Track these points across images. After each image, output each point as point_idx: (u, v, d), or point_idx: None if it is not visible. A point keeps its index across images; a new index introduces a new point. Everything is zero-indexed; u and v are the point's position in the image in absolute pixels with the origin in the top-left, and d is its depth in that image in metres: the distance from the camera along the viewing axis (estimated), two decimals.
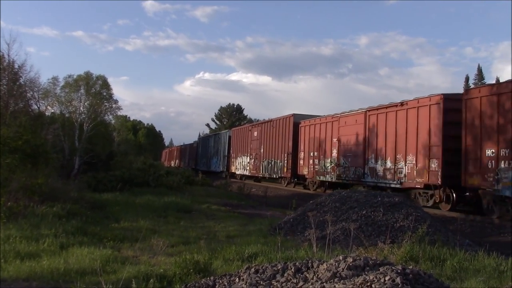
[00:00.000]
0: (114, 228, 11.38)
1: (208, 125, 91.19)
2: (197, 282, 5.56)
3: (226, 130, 44.51)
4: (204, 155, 52.72)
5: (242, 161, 38.25)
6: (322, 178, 25.43)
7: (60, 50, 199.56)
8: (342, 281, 4.36)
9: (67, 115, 29.36)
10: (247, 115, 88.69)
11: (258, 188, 29.41)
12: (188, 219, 13.70)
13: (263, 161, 33.46)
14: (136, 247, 8.92)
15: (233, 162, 40.65)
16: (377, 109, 20.95)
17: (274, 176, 31.77)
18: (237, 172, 39.60)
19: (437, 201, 17.45)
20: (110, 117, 34.94)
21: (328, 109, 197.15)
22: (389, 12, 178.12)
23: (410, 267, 4.61)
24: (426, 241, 8.45)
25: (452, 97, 17.13)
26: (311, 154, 26.43)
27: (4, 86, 19.84)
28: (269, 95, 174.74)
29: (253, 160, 35.57)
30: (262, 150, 33.61)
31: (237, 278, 5.27)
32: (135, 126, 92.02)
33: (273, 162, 31.48)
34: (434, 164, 17.02)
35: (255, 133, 35.53)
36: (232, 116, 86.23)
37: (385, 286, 3.97)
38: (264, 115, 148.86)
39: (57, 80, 29.06)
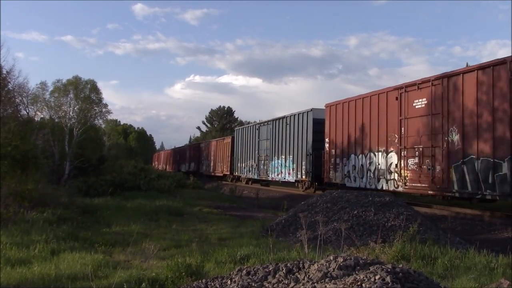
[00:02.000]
0: (106, 233, 11.34)
1: (199, 128, 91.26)
2: (189, 285, 5.56)
3: (309, 109, 25.22)
4: (247, 155, 34.58)
5: (372, 162, 19.18)
6: None
7: (49, 55, 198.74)
8: (333, 281, 4.38)
9: (56, 120, 29.20)
10: (237, 117, 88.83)
11: (250, 190, 29.41)
12: (179, 222, 13.68)
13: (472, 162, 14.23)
14: (127, 251, 8.88)
15: (338, 165, 21.82)
16: None
17: None
18: (350, 184, 20.69)
19: None
20: (100, 121, 34.81)
21: None
22: (378, 13, 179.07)
23: (401, 266, 4.64)
24: (417, 239, 8.50)
25: None
26: None
27: None
28: (260, 97, 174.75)
29: (416, 159, 16.55)
30: (456, 137, 14.94)
31: (229, 280, 5.27)
32: (126, 130, 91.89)
33: None
34: None
35: (421, 102, 16.61)
36: (223, 118, 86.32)
37: (375, 285, 3.99)
38: (255, 117, 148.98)
39: (46, 85, 28.94)
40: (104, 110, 31.86)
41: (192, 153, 54.34)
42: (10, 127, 15.54)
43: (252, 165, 33.64)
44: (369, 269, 4.44)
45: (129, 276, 6.52)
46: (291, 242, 10.02)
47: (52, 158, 25.60)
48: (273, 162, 29.64)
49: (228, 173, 39.09)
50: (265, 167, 31.03)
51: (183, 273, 6.48)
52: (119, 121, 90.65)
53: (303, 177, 25.26)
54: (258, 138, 32.54)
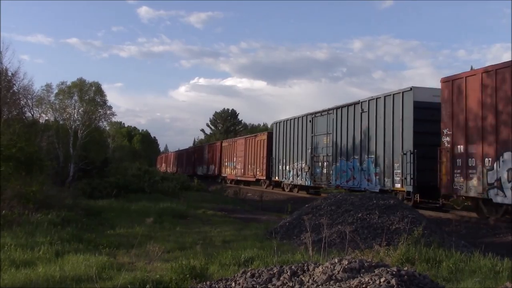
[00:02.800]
0: (110, 235, 11.35)
1: (203, 130, 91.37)
2: (194, 287, 5.56)
3: (407, 88, 18.16)
4: (294, 156, 27.39)
5: None
6: None
7: (55, 57, 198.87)
8: (337, 283, 4.37)
9: (61, 122, 29.26)
10: (242, 120, 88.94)
11: (253, 193, 29.39)
12: (183, 225, 13.68)
13: None
14: (132, 253, 8.89)
15: (473, 169, 14.73)
16: None
17: None
18: (506, 199, 13.53)
19: None
20: (105, 123, 34.85)
21: None
22: (382, 16, 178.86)
23: (405, 268, 4.63)
24: (422, 242, 8.47)
25: None
26: None
27: None
28: (264, 99, 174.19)
29: None
30: None
31: (233, 283, 5.27)
32: (130, 132, 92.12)
33: None
34: None
35: None
36: (227, 121, 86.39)
37: None
38: (259, 120, 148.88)
39: (51, 87, 29.02)
40: (108, 112, 31.91)
41: (211, 154, 46.14)
42: (15, 129, 15.61)
43: (301, 168, 26.03)
44: (374, 272, 4.44)
45: (133, 278, 6.52)
46: (295, 244, 10.01)
47: (57, 160, 25.66)
48: (338, 165, 22.13)
49: (264, 177, 31.97)
50: (324, 171, 23.46)
51: (187, 275, 6.48)
52: (124, 123, 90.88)
53: (397, 185, 17.85)
54: (312, 132, 24.94)
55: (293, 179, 27.47)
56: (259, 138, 33.75)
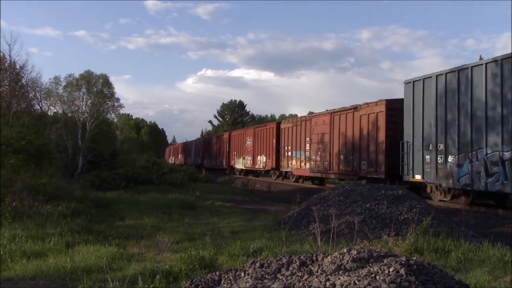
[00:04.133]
0: (119, 226, 11.44)
1: (210, 122, 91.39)
2: (203, 278, 5.59)
3: None
4: None
5: None
6: None
7: (63, 50, 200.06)
8: (346, 273, 4.37)
9: (69, 115, 29.37)
10: (249, 111, 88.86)
11: (262, 184, 29.39)
12: (192, 216, 13.74)
13: None
14: (141, 244, 8.95)
15: None
16: None
17: None
18: None
19: None
20: (113, 115, 34.89)
21: (331, 104, 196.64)
22: (390, 6, 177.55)
23: (414, 258, 4.63)
24: (431, 233, 8.46)
25: None
26: None
27: (6, 87, 19.90)
28: (272, 90, 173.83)
29: None
30: None
31: (243, 273, 5.30)
32: (138, 124, 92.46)
33: None
34: None
35: None
36: (234, 112, 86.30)
37: (389, 277, 3.98)
38: (266, 111, 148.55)
39: (59, 80, 29.09)
40: (116, 104, 31.96)
41: (259, 141, 34.46)
42: (24, 121, 15.67)
43: (504, 160, 13.45)
44: (383, 262, 4.43)
45: (143, 269, 6.58)
46: (304, 235, 10.03)
47: (66, 152, 25.82)
48: None
49: (382, 175, 19.16)
50: None
51: (197, 266, 6.52)
52: (132, 115, 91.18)
53: None
54: None
55: (472, 180, 14.73)
56: (365, 112, 20.71)
